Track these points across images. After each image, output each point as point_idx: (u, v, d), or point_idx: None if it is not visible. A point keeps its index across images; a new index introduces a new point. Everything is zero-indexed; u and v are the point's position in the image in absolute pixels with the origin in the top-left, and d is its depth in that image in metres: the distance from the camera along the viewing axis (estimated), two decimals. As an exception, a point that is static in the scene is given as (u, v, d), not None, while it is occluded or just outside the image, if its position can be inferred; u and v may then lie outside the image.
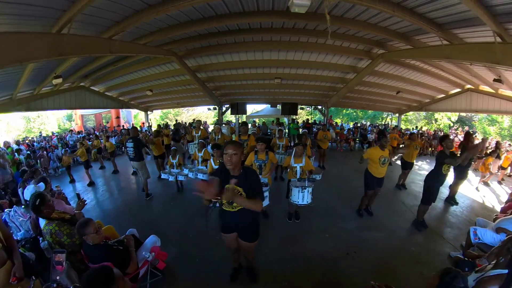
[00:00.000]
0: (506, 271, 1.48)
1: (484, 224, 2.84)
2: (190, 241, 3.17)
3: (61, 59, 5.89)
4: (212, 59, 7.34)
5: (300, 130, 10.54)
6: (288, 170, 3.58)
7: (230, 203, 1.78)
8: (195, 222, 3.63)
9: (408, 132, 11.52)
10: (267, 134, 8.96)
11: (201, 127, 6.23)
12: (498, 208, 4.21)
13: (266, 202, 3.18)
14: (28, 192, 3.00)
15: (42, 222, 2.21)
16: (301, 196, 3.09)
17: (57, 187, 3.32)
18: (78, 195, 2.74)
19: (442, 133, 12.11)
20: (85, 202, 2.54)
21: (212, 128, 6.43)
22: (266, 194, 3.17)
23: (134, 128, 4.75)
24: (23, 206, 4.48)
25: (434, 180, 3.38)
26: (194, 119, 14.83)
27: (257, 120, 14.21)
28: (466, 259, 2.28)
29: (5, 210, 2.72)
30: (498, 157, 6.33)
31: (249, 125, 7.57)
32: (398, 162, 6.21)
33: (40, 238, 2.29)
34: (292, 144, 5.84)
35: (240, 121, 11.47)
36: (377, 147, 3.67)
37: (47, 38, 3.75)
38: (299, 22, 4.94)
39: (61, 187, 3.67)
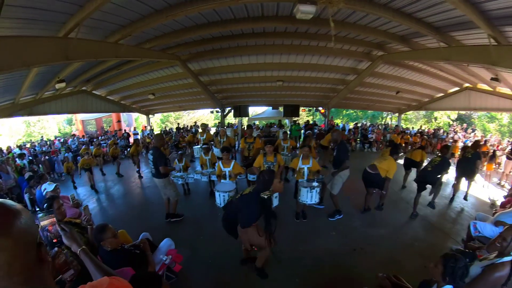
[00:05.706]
0: (511, 258, 1.60)
1: (484, 218, 2.98)
2: (201, 243, 3.24)
3: (66, 63, 5.95)
4: (215, 62, 7.43)
5: (302, 131, 10.69)
6: (296, 171, 3.67)
7: None
8: (205, 225, 3.70)
9: (408, 131, 11.66)
10: (270, 136, 9.04)
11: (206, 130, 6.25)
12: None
13: (275, 203, 3.27)
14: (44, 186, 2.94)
15: None
16: (310, 196, 3.19)
17: (72, 195, 3.24)
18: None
19: (442, 131, 12.23)
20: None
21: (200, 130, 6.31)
22: (276, 195, 3.25)
23: (157, 136, 3.75)
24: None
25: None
26: (195, 122, 14.89)
27: (257, 122, 14.30)
28: (467, 250, 2.39)
29: None
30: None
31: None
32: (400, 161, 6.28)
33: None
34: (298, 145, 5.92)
35: (242, 124, 11.62)
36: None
37: (55, 42, 3.76)
38: (301, 27, 5.05)
39: (66, 194, 3.66)
